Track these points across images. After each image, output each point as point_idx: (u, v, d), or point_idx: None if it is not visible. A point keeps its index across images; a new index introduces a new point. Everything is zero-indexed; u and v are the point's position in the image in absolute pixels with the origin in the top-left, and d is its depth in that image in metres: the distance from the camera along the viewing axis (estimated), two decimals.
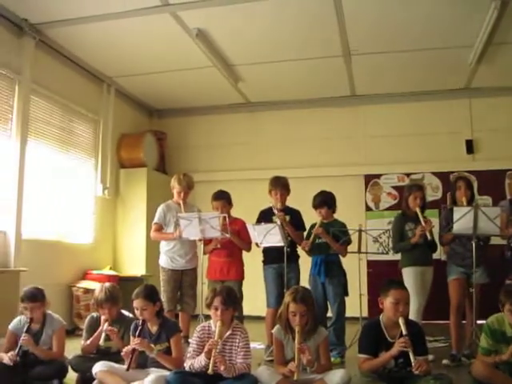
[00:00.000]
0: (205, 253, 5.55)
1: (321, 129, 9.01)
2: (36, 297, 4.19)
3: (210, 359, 3.52)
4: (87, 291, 6.96)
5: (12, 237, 6.20)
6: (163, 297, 5.26)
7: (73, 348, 4.48)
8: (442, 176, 8.42)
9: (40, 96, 6.91)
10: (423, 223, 5.10)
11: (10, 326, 4.25)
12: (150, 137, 8.94)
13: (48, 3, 5.97)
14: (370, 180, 8.81)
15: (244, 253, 5.66)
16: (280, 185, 5.59)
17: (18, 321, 4.25)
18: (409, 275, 5.18)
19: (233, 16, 6.21)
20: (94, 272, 7.52)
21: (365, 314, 5.94)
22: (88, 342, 4.23)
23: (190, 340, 4.17)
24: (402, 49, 7.02)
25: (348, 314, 5.41)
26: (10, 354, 3.98)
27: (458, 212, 4.84)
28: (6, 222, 6.22)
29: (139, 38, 6.77)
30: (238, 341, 3.73)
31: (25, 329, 4.08)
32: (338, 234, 5.33)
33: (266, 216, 5.51)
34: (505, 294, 3.81)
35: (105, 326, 4.15)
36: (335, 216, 5.56)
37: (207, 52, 7.02)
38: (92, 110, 8.02)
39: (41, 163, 6.93)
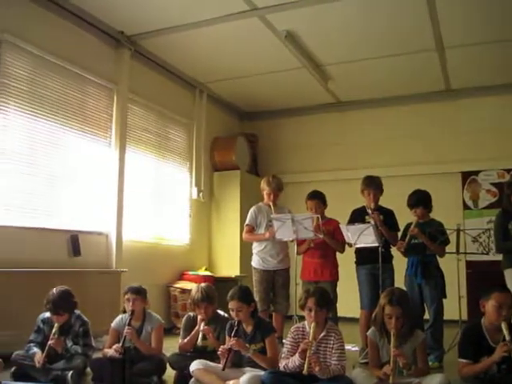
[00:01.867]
0: (298, 253, 5.56)
1: (413, 125, 8.77)
2: (139, 290, 4.38)
3: (304, 360, 3.52)
4: (184, 291, 7.16)
5: (113, 239, 6.51)
6: (256, 297, 5.29)
7: (170, 346, 4.61)
8: None
9: (137, 104, 7.21)
10: None
11: (113, 324, 4.44)
12: (241, 139, 9.07)
13: (142, 15, 6.23)
14: (468, 177, 8.47)
15: (337, 253, 5.62)
16: (373, 184, 5.49)
17: (120, 319, 4.43)
18: None
19: (321, 16, 6.19)
20: (190, 273, 7.72)
21: (464, 316, 5.72)
22: (185, 340, 4.34)
23: (283, 340, 4.19)
24: (499, 39, 6.69)
25: (446, 316, 5.22)
26: (115, 346, 4.16)
27: None
28: (108, 225, 6.53)
29: (229, 43, 6.90)
30: (332, 342, 3.70)
31: (127, 322, 4.25)
32: (435, 234, 5.16)
33: (358, 216, 5.44)
34: None
35: (201, 326, 4.25)
36: (431, 214, 5.39)
37: (296, 53, 7.03)
38: (185, 115, 8.26)
39: (139, 168, 7.23)
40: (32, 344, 4.25)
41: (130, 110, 7.05)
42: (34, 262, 5.34)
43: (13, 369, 4.11)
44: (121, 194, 6.66)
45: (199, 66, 7.72)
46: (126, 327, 4.19)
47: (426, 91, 8.60)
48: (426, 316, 5.25)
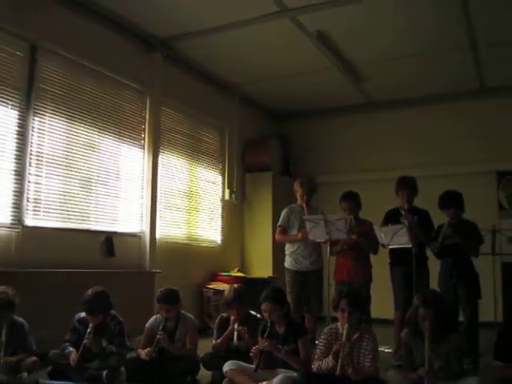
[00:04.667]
0: (331, 254, 5.53)
1: (447, 125, 8.63)
2: (170, 299, 4.41)
3: (337, 361, 3.52)
4: (217, 292, 7.20)
5: (147, 240, 6.59)
6: (289, 298, 5.29)
7: (204, 346, 4.64)
8: None
9: (169, 107, 7.29)
10: None
11: (147, 324, 4.51)
12: (273, 141, 9.08)
13: (174, 19, 6.29)
14: (504, 176, 8.31)
15: (371, 255, 5.58)
16: (407, 185, 5.45)
17: (154, 319, 4.49)
18: None
19: (351, 16, 6.17)
20: (223, 274, 7.76)
21: (500, 318, 5.62)
22: (219, 340, 4.38)
23: (316, 342, 4.19)
24: None
25: (481, 318, 5.13)
26: (146, 350, 4.22)
27: None
28: (142, 226, 6.62)
29: (260, 44, 6.92)
30: (365, 344, 3.68)
31: (161, 327, 4.30)
32: (469, 234, 5.08)
33: (392, 217, 5.39)
34: None
35: (235, 326, 4.28)
36: (465, 215, 5.30)
37: (328, 53, 7.01)
38: (218, 117, 8.31)
39: (172, 170, 7.30)
40: (67, 343, 4.32)
41: (163, 112, 7.13)
42: (70, 263, 5.44)
43: (49, 368, 4.20)
44: (154, 195, 6.74)
45: (231, 67, 7.76)
46: (159, 332, 4.24)
47: (460, 90, 8.45)
48: (461, 318, 5.19)
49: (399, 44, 6.92)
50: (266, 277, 7.99)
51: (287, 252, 5.70)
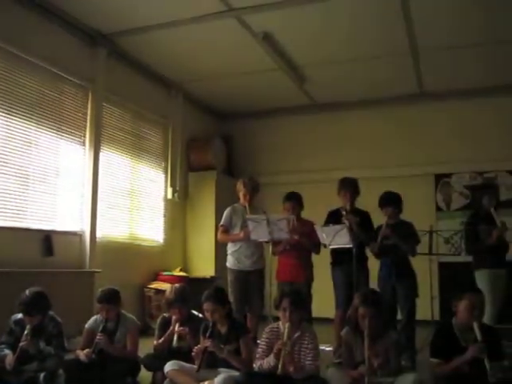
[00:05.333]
0: (274, 254, 5.57)
1: (388, 128, 8.85)
2: (111, 299, 4.33)
3: (278, 360, 3.54)
4: (158, 292, 7.12)
5: (87, 239, 6.46)
6: (231, 297, 5.30)
7: (145, 347, 4.59)
8: None
9: (112, 103, 7.16)
10: (499, 224, 4.93)
11: (87, 325, 4.41)
12: (217, 140, 9.07)
13: (119, 14, 6.19)
14: (441, 179, 8.59)
15: (313, 254, 5.65)
16: (350, 186, 5.55)
17: (94, 320, 4.40)
18: (482, 278, 5.03)
19: (297, 18, 6.22)
20: (165, 273, 7.69)
21: (436, 317, 5.80)
22: (160, 341, 4.33)
23: (258, 341, 4.20)
24: (472, 42, 6.80)
25: (418, 316, 5.28)
26: (85, 351, 4.13)
27: None
28: (82, 224, 6.48)
29: (206, 43, 6.89)
30: (306, 342, 3.73)
31: (100, 328, 4.22)
32: (406, 234, 5.22)
33: (334, 217, 5.47)
34: None
35: (176, 327, 4.25)
36: (404, 216, 5.45)
37: (273, 54, 7.05)
38: (162, 115, 8.23)
39: (114, 168, 7.18)
40: (3, 346, 4.18)
41: (106, 109, 7.00)
42: (6, 263, 5.26)
43: None
44: (95, 193, 6.60)
45: (176, 65, 7.69)
46: (99, 334, 4.17)
47: (400, 94, 8.69)
48: (399, 316, 5.32)
49: (343, 48, 7.03)
50: (208, 276, 7.97)
51: (229, 251, 5.70)
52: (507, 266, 5.13)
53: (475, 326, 3.44)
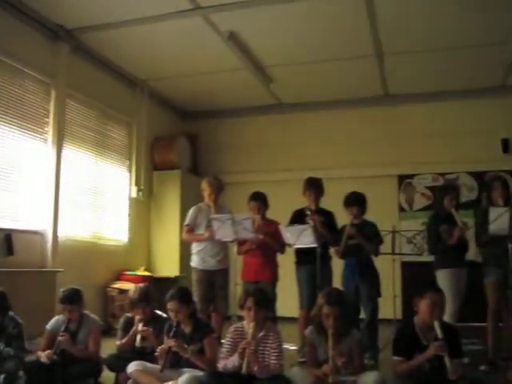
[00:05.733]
0: (239, 253, 5.58)
1: (352, 129, 8.95)
2: (74, 299, 4.26)
3: (243, 359, 3.54)
4: (122, 292, 7.05)
5: (49, 238, 6.34)
6: (195, 297, 5.30)
7: (108, 348, 4.53)
8: (477, 176, 8.29)
9: (75, 100, 7.06)
10: (460, 224, 5.02)
11: (48, 326, 4.32)
12: (182, 139, 9.02)
13: (82, 9, 6.09)
14: (404, 180, 8.72)
15: (277, 254, 5.67)
16: (314, 186, 5.59)
17: (56, 320, 4.32)
18: (443, 277, 5.11)
19: (264, 18, 6.23)
20: (129, 273, 7.62)
21: (398, 315, 5.88)
22: (123, 341, 4.28)
23: (222, 341, 4.20)
24: (434, 47, 6.94)
25: (381, 315, 5.36)
26: (47, 352, 4.05)
27: (494, 212, 4.75)
28: (44, 223, 6.35)
29: (172, 41, 6.85)
30: (270, 342, 3.73)
31: (63, 328, 4.15)
32: (370, 234, 5.29)
33: (299, 217, 5.50)
34: None
35: (139, 327, 4.21)
36: (367, 216, 5.52)
37: (239, 54, 7.05)
38: (126, 113, 8.14)
39: (76, 165, 7.07)
40: None
41: (69, 105, 6.88)
42: None
43: None
44: (57, 191, 6.49)
45: (141, 63, 7.62)
46: (61, 334, 4.10)
47: (365, 96, 8.79)
48: (362, 315, 5.38)
49: (309, 49, 7.07)
50: (172, 276, 7.93)
51: (194, 251, 5.69)
52: (467, 265, 5.23)
53: (436, 324, 3.49)
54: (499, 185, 5.14)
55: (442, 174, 8.53)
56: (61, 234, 6.54)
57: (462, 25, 6.31)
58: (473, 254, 5.44)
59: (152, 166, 8.75)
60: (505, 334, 5.00)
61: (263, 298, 3.82)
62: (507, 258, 4.81)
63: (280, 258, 5.69)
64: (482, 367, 4.79)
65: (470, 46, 6.86)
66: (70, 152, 6.91)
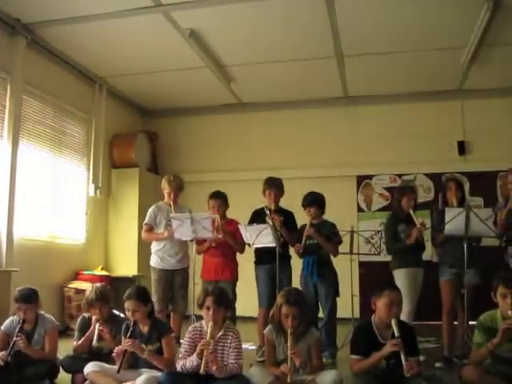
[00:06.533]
0: (198, 252, 5.56)
1: (313, 130, 9.01)
2: (30, 298, 4.18)
3: (201, 359, 3.53)
4: (79, 291, 6.93)
5: (3, 237, 6.18)
6: (154, 297, 5.27)
7: (64, 348, 4.46)
8: (434, 177, 8.45)
9: (32, 96, 6.89)
10: (418, 224, 5.11)
11: (2, 327, 4.23)
12: (141, 137, 8.93)
13: (40, 3, 5.96)
14: (362, 181, 8.83)
15: (237, 253, 5.67)
16: (274, 186, 5.60)
17: (10, 321, 4.23)
18: (401, 277, 5.19)
19: (226, 16, 6.21)
20: (86, 272, 7.50)
21: (356, 314, 5.95)
22: (80, 342, 4.22)
23: (181, 340, 4.17)
24: (394, 50, 7.05)
25: (339, 314, 5.41)
26: (1, 353, 3.96)
27: (449, 213, 4.85)
28: None
29: (132, 38, 6.76)
30: (229, 341, 3.73)
31: (17, 329, 4.06)
32: (329, 234, 5.34)
33: (258, 216, 5.51)
34: (497, 278, 3.75)
35: (96, 327, 4.14)
36: (326, 216, 5.57)
37: (200, 52, 7.01)
38: (84, 110, 8.01)
39: (33, 163, 6.92)
40: None
41: (25, 101, 6.72)
42: None
43: None
44: (12, 189, 6.32)
45: (100, 59, 7.51)
46: (16, 334, 4.01)
47: (325, 97, 8.87)
48: (320, 314, 5.42)
49: (270, 49, 7.08)
50: (130, 275, 7.84)
51: (153, 250, 5.64)
52: (424, 265, 5.33)
53: (393, 322, 3.54)
54: (453, 186, 5.25)
55: (400, 175, 8.67)
56: (16, 233, 6.38)
57: (421, 28, 6.41)
58: (429, 253, 5.55)
59: (110, 164, 8.63)
60: (459, 332, 5.10)
61: (222, 298, 3.81)
62: (462, 258, 4.93)
63: (240, 257, 5.69)
64: (437, 364, 4.90)
65: (428, 50, 6.98)
66: (27, 149, 6.74)
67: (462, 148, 8.42)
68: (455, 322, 5.19)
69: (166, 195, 5.64)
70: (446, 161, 8.46)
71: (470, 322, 4.86)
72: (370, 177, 8.80)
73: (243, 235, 5.31)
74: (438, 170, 8.41)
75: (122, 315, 4.30)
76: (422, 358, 4.28)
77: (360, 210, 8.77)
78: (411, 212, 5.20)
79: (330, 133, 8.96)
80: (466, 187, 7.53)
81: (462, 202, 5.19)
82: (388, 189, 8.63)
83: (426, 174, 8.57)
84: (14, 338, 3.99)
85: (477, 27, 6.20)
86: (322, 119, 9.03)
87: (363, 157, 8.75)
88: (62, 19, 6.28)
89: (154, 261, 5.61)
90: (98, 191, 8.15)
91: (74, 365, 4.06)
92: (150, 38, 6.75)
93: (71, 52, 7.25)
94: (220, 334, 3.74)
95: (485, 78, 7.93)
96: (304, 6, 5.95)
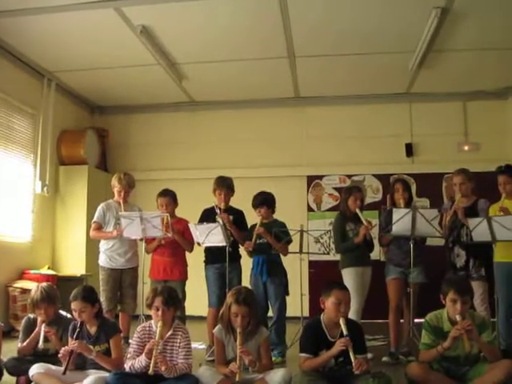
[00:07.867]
0: (147, 252, 5.51)
1: (264, 129, 9.05)
2: None
3: (150, 359, 3.51)
4: (24, 291, 6.76)
5: None
6: (102, 296, 5.21)
7: (9, 350, 4.35)
8: (383, 178, 8.61)
9: None
10: (365, 223, 5.20)
11: None
12: (91, 134, 8.77)
13: None
14: (313, 181, 8.92)
15: (186, 252, 5.65)
16: (225, 185, 5.61)
17: None
18: (349, 276, 5.27)
19: (177, 14, 6.16)
20: (32, 271, 7.32)
21: (306, 313, 6.01)
22: (25, 343, 4.11)
23: (130, 341, 4.13)
24: (345, 52, 7.14)
25: (289, 313, 5.46)
26: None
27: (397, 213, 4.96)
28: None
29: (82, 32, 6.62)
30: (179, 341, 3.72)
31: None
32: (279, 233, 5.37)
33: (208, 215, 5.51)
34: (447, 283, 3.86)
35: (42, 327, 4.05)
36: (276, 216, 5.61)
37: (151, 49, 6.94)
38: (31, 105, 7.80)
39: None
40: None
41: None
42: None
43: None
44: None
45: (48, 53, 7.31)
46: None
47: (276, 97, 8.92)
48: (270, 313, 5.45)
49: (221, 47, 7.05)
50: (78, 274, 7.70)
51: (102, 249, 5.57)
52: (372, 264, 5.42)
53: (341, 321, 3.59)
54: (401, 187, 5.38)
55: (349, 176, 8.80)
56: None
57: (370, 32, 6.51)
58: (377, 253, 5.65)
59: (58, 161, 8.44)
60: (405, 329, 5.22)
61: (171, 298, 3.79)
62: (408, 257, 5.05)
63: (190, 256, 5.67)
64: (384, 358, 5.01)
65: (377, 53, 7.10)
66: None
67: (410, 150, 8.62)
68: (401, 320, 5.30)
69: (116, 193, 5.57)
70: (394, 162, 8.64)
71: (416, 320, 4.98)
72: (320, 177, 8.89)
73: (193, 234, 5.30)
74: (386, 171, 8.57)
75: (68, 316, 4.22)
76: (369, 355, 4.37)
77: (310, 209, 8.86)
78: (358, 211, 5.30)
79: (281, 133, 9.02)
80: (413, 188, 7.71)
81: (409, 203, 5.32)
82: (338, 189, 8.73)
83: (374, 175, 8.73)
84: None
85: (425, 33, 6.35)
86: (272, 119, 9.08)
87: (314, 157, 8.86)
88: (9, 11, 6.08)
89: (102, 260, 5.54)
90: (45, 188, 7.95)
91: (19, 367, 3.95)
92: (100, 33, 6.63)
93: (19, 45, 7.04)
94: (169, 333, 3.72)
95: (432, 82, 8.14)
96: (257, 5, 5.95)
